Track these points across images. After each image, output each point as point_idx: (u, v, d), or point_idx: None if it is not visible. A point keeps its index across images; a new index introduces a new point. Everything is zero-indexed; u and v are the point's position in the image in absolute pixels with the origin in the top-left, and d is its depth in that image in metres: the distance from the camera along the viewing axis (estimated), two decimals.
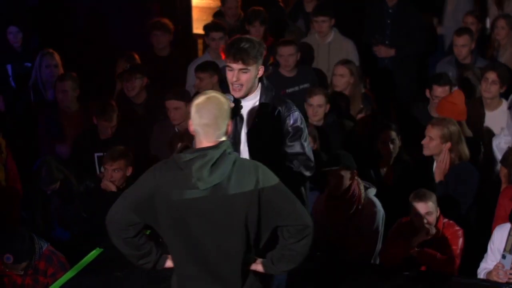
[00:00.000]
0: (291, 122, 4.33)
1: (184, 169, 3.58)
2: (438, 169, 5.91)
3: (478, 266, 5.26)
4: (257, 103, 4.33)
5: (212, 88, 7.11)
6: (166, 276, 4.91)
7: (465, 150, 5.95)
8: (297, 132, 4.34)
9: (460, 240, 5.32)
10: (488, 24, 8.17)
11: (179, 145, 5.93)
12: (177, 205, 3.59)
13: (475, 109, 6.68)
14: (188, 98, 6.75)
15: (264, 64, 4.35)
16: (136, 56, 7.71)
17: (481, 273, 5.21)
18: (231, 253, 3.64)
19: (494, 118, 6.70)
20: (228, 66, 4.25)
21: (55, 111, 7.20)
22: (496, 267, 5.03)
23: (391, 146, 6.18)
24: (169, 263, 3.85)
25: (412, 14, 7.97)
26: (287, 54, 7.24)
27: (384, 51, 7.98)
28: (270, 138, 4.32)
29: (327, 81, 7.62)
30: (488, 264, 5.17)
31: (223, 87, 7.06)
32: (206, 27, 7.86)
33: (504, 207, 5.43)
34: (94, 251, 5.40)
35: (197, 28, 9.49)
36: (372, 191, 5.66)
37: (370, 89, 7.66)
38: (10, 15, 8.48)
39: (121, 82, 7.46)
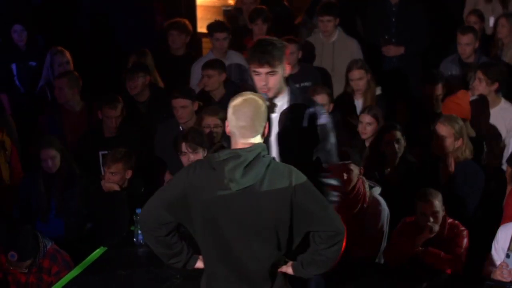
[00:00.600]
0: (321, 122, 4.30)
1: (217, 169, 3.56)
2: (444, 170, 5.92)
3: (482, 265, 5.26)
4: (286, 104, 4.30)
5: (219, 86, 7.13)
6: (169, 275, 4.95)
7: (470, 148, 5.96)
8: (326, 133, 4.31)
9: (465, 240, 5.31)
10: (491, 23, 8.14)
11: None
12: (209, 205, 3.58)
13: (477, 108, 6.67)
14: (194, 97, 6.76)
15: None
16: (148, 52, 7.70)
17: (486, 272, 5.20)
18: (261, 255, 3.63)
19: (494, 116, 6.69)
20: (254, 71, 4.19)
21: (57, 111, 7.19)
22: (500, 266, 5.02)
23: (396, 146, 6.17)
24: (199, 264, 3.84)
25: (416, 9, 7.96)
26: (289, 52, 7.22)
27: (393, 50, 7.97)
28: (299, 139, 4.29)
29: (331, 80, 7.62)
30: (492, 264, 5.16)
31: (228, 86, 7.13)
32: (210, 27, 7.85)
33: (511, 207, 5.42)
34: (98, 249, 5.41)
35: (202, 27, 9.49)
36: (377, 190, 5.66)
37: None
38: (14, 14, 8.48)
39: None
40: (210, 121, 6.37)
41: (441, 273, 5.21)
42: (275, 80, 4.18)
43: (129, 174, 6.01)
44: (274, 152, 4.29)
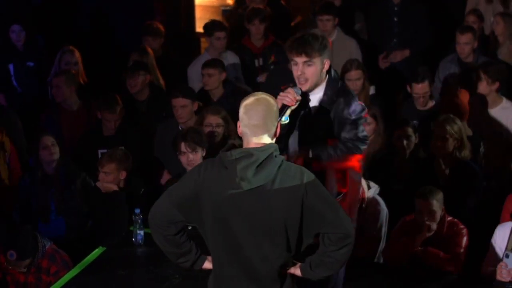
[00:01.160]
0: (347, 112, 4.33)
1: (229, 168, 3.56)
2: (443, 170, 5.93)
3: (481, 265, 5.26)
4: (321, 96, 4.36)
5: (219, 86, 7.13)
6: (168, 275, 4.95)
7: (469, 148, 5.96)
8: (352, 122, 4.34)
9: (464, 239, 5.31)
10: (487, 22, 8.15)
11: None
12: (220, 204, 3.57)
13: (476, 107, 6.67)
14: (194, 97, 6.76)
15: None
16: (150, 50, 7.70)
17: (485, 271, 5.20)
18: (271, 255, 3.62)
19: (495, 116, 6.69)
20: (292, 60, 4.28)
21: (56, 110, 7.19)
22: (500, 266, 5.02)
23: (404, 142, 6.19)
24: (207, 264, 3.83)
25: (418, 9, 7.96)
26: None
27: (399, 55, 7.98)
28: (328, 131, 4.35)
29: None
30: (491, 263, 5.16)
31: (226, 86, 7.13)
32: (209, 26, 7.84)
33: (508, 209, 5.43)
34: (97, 249, 5.40)
35: (200, 27, 9.47)
36: (376, 190, 5.66)
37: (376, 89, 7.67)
38: (14, 14, 8.48)
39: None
40: (212, 120, 6.38)
41: (440, 273, 5.21)
42: (312, 71, 4.26)
43: (123, 175, 5.98)
44: (308, 142, 4.35)
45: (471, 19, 7.84)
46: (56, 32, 8.77)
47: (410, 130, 6.22)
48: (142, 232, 5.39)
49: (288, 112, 4.28)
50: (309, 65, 4.26)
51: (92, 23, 9.28)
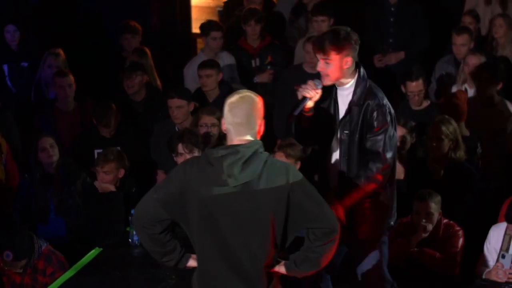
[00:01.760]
0: (376, 116, 4.35)
1: (215, 165, 3.56)
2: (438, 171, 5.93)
3: (476, 265, 5.26)
4: (351, 95, 4.38)
5: (216, 86, 7.13)
6: (164, 276, 4.94)
7: (464, 149, 5.97)
8: (381, 128, 4.35)
9: (461, 240, 5.32)
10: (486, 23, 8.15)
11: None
12: (206, 201, 3.57)
13: (472, 108, 6.68)
14: (190, 97, 6.76)
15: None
16: (148, 51, 7.70)
17: (481, 272, 5.20)
18: (257, 252, 3.62)
19: (492, 116, 6.69)
20: (316, 56, 4.36)
21: (51, 111, 7.18)
22: (496, 266, 5.03)
23: (398, 142, 6.18)
24: (191, 262, 3.83)
25: (415, 10, 7.96)
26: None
27: (394, 58, 7.98)
28: (355, 131, 4.38)
29: None
30: (486, 264, 5.17)
31: (222, 87, 7.13)
32: (205, 27, 7.84)
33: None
34: (93, 250, 5.40)
35: (196, 28, 9.47)
36: None
37: None
38: (8, 14, 8.47)
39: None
40: (208, 120, 6.38)
41: (436, 274, 5.22)
42: (331, 68, 4.30)
43: (121, 173, 6.02)
44: (336, 139, 4.42)
45: (467, 20, 7.84)
46: (52, 33, 8.75)
47: (404, 130, 6.21)
48: None
49: (311, 104, 4.34)
50: (327, 63, 4.30)
51: (88, 23, 9.27)
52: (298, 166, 5.62)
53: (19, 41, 8.05)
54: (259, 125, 3.66)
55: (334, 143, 4.48)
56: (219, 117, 6.35)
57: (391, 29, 8.02)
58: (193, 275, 3.81)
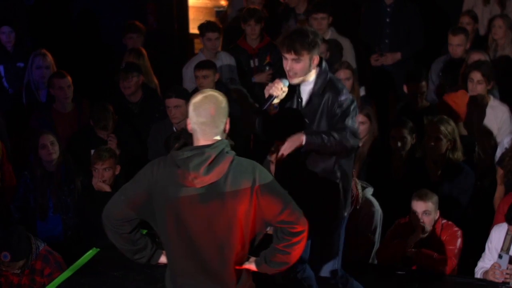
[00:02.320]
0: (338, 105, 4.40)
1: (182, 166, 3.58)
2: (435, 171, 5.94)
3: (475, 265, 5.27)
4: (312, 86, 4.46)
5: (213, 87, 7.13)
6: (162, 276, 4.92)
7: (462, 149, 5.98)
8: (342, 114, 4.40)
9: (459, 241, 5.32)
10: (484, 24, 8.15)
11: (177, 143, 5.94)
12: (174, 202, 3.60)
13: (472, 107, 6.68)
14: (188, 97, 6.76)
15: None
16: (144, 51, 7.70)
17: (478, 272, 5.22)
18: (226, 251, 3.65)
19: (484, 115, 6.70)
20: (283, 55, 4.40)
21: (48, 113, 7.18)
22: (493, 266, 5.04)
23: (399, 143, 6.19)
24: (163, 259, 3.87)
25: (411, 10, 7.97)
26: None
27: (390, 58, 7.99)
28: (315, 121, 4.44)
29: None
30: (485, 264, 5.18)
31: (219, 87, 7.13)
32: (201, 27, 7.84)
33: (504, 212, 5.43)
34: (90, 251, 5.40)
35: (194, 28, 9.48)
36: (370, 191, 5.66)
37: (369, 90, 7.68)
38: (4, 15, 8.45)
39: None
40: None
41: (434, 274, 5.22)
42: (299, 67, 4.37)
43: (118, 169, 6.07)
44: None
45: (465, 20, 7.85)
46: (48, 33, 8.74)
47: (405, 132, 6.21)
48: None
49: (276, 101, 4.42)
50: (297, 62, 4.36)
51: (84, 24, 9.26)
52: None
53: (14, 42, 8.04)
54: (225, 123, 3.68)
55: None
56: None
57: (387, 30, 8.03)
58: (165, 273, 3.84)
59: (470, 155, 6.26)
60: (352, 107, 4.43)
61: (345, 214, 4.65)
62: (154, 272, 5.00)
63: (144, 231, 3.89)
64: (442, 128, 5.89)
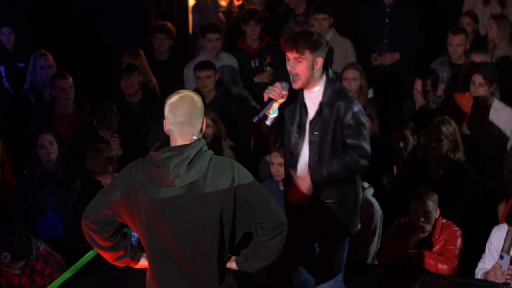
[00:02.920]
0: (350, 117, 4.35)
1: (161, 166, 3.59)
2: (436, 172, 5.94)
3: (476, 266, 5.27)
4: (320, 96, 4.38)
5: (214, 87, 7.13)
6: None
7: (463, 150, 5.97)
8: (356, 127, 4.35)
9: (459, 241, 5.32)
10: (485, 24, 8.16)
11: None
12: (154, 202, 3.61)
13: (476, 109, 6.67)
14: None
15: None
16: (141, 52, 7.70)
17: (479, 273, 5.22)
18: (207, 251, 3.65)
19: (487, 117, 6.70)
20: (286, 57, 4.34)
21: (49, 114, 7.18)
22: (494, 267, 5.04)
23: (401, 143, 6.18)
24: (143, 261, 3.87)
25: (410, 11, 7.97)
26: None
27: (389, 58, 7.99)
28: (327, 132, 4.37)
29: None
30: (486, 264, 5.18)
31: (219, 88, 7.12)
32: (202, 28, 7.85)
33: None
34: (91, 251, 5.39)
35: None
36: (370, 191, 5.66)
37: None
38: (3, 15, 8.46)
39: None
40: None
41: (434, 274, 5.22)
42: (302, 68, 4.29)
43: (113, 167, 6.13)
44: (306, 142, 4.39)
45: (466, 21, 7.85)
46: (48, 33, 8.73)
47: (407, 132, 6.21)
48: (136, 234, 5.37)
49: (276, 105, 4.37)
50: (299, 62, 4.30)
51: (84, 24, 9.26)
52: None
53: (14, 42, 8.05)
54: (201, 123, 3.68)
55: (300, 146, 4.47)
56: (213, 118, 6.38)
57: (386, 30, 8.03)
58: (146, 275, 3.84)
59: (472, 156, 6.25)
60: (364, 119, 4.40)
61: (352, 233, 4.64)
62: None
63: (126, 229, 3.89)
64: (443, 128, 5.88)
